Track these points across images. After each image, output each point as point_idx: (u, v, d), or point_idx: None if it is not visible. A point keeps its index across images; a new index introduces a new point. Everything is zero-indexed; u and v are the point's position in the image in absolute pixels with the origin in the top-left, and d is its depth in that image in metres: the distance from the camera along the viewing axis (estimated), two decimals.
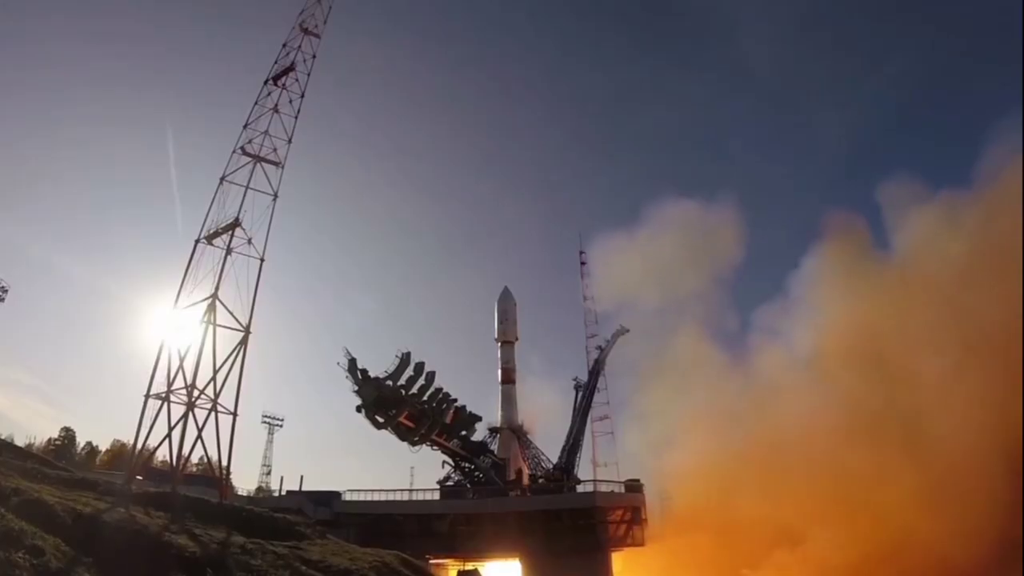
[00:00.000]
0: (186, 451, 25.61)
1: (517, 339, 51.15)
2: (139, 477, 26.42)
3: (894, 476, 39.01)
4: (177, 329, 27.32)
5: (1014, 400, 32.33)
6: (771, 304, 61.33)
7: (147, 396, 25.61)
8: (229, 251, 27.59)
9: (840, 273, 52.17)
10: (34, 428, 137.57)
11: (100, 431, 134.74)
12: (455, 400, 43.06)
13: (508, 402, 48.68)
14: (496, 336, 50.99)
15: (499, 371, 49.81)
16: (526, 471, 46.23)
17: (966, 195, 48.81)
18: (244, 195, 28.53)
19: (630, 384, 59.37)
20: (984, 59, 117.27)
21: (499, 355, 50.29)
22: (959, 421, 36.99)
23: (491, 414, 48.51)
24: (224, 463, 25.81)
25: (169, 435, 25.20)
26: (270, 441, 63.87)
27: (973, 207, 45.93)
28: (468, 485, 44.51)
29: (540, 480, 45.54)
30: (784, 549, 40.55)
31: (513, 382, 49.47)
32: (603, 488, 42.27)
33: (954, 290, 42.52)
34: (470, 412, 44.50)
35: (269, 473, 63.43)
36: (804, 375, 50.23)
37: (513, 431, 47.39)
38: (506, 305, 51.54)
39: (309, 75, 32.32)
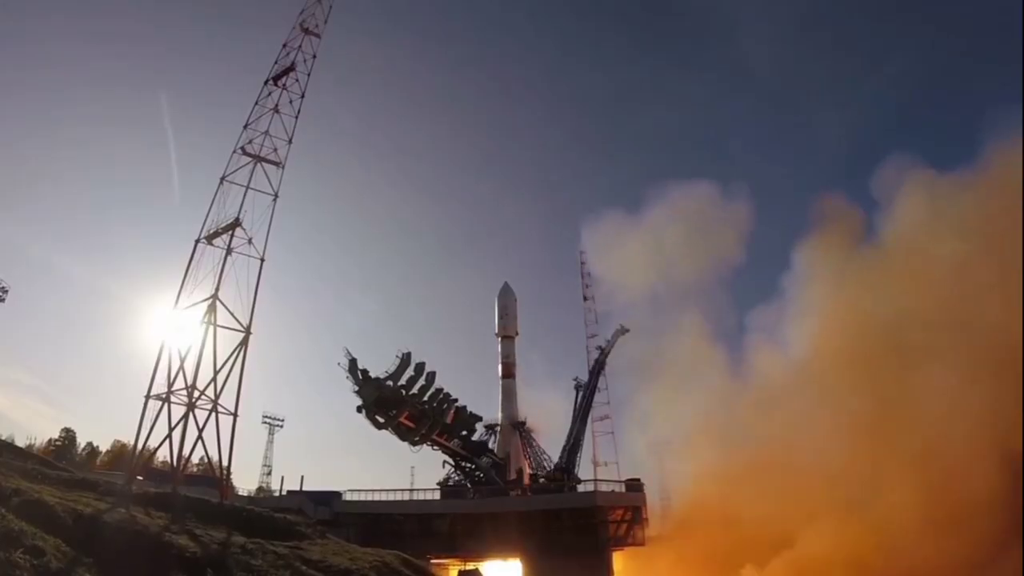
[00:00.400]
0: (186, 452, 25.66)
1: (517, 334, 51.42)
2: (140, 477, 26.42)
3: (891, 476, 38.98)
4: (177, 329, 27.31)
5: (1012, 398, 32.18)
6: (769, 304, 61.23)
7: (147, 397, 25.60)
8: (229, 251, 27.57)
9: (832, 263, 51.76)
10: (34, 428, 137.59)
11: (100, 431, 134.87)
12: (455, 400, 43.12)
13: (508, 397, 48.91)
14: (496, 331, 51.24)
15: (499, 366, 50.02)
16: (527, 470, 46.27)
17: (966, 175, 48.08)
18: (244, 195, 28.54)
19: (630, 384, 59.38)
20: (984, 59, 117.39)
21: (499, 350, 50.55)
22: (955, 422, 36.82)
23: (492, 413, 48.70)
24: (224, 463, 25.83)
25: (169, 436, 25.19)
26: (270, 441, 64.07)
27: (970, 190, 45.40)
28: (468, 485, 44.56)
29: (541, 480, 45.60)
30: (783, 549, 40.55)
31: (513, 376, 49.71)
32: (603, 488, 42.26)
33: (949, 280, 42.11)
34: (470, 412, 44.57)
35: (269, 473, 63.61)
36: (800, 375, 50.05)
37: (514, 426, 47.47)
38: (506, 300, 51.82)
39: (309, 75, 32.32)
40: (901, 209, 49.28)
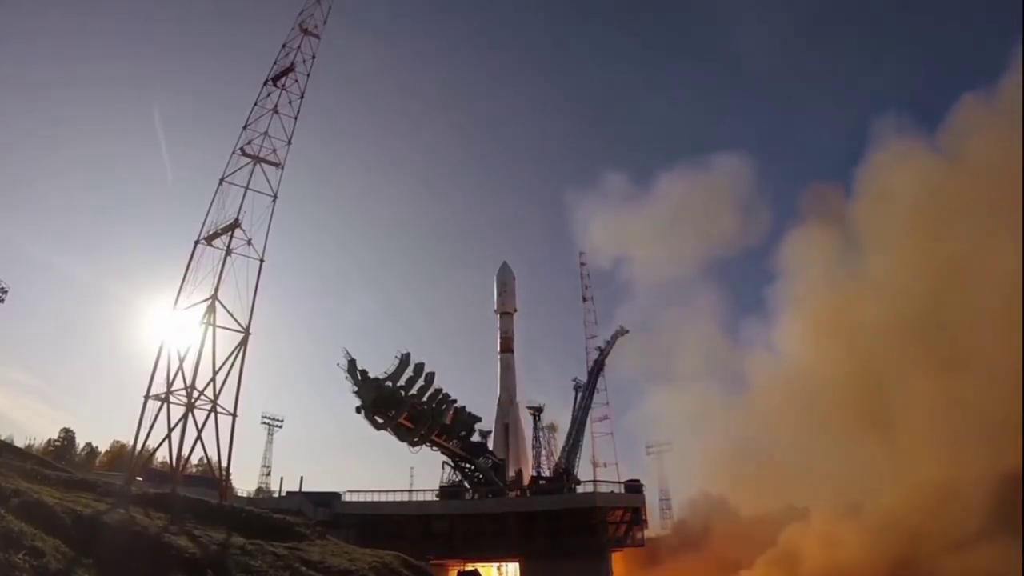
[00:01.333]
0: (186, 452, 25.63)
1: (516, 310, 52.93)
2: (139, 478, 26.40)
3: (886, 474, 39.08)
4: (177, 330, 27.30)
5: (1005, 398, 32.15)
6: (768, 304, 61.39)
7: (147, 397, 25.57)
8: (229, 252, 27.58)
9: (817, 254, 52.02)
10: (34, 428, 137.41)
11: (100, 432, 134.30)
12: (454, 401, 43.06)
13: (507, 370, 50.16)
14: (495, 307, 52.62)
15: (498, 341, 51.41)
16: (529, 471, 46.34)
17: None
18: (244, 196, 28.55)
19: (630, 384, 59.61)
20: (984, 59, 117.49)
21: (498, 325, 51.98)
22: (949, 424, 36.81)
23: (491, 412, 48.77)
24: (224, 464, 25.80)
25: (169, 436, 25.16)
26: (270, 442, 63.82)
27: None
28: (466, 485, 44.57)
29: (540, 481, 45.63)
30: (781, 549, 40.62)
31: (512, 351, 51.07)
32: (603, 489, 42.31)
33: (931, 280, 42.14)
34: (469, 413, 44.54)
35: (269, 474, 63.36)
36: (795, 377, 50.19)
37: (512, 400, 48.04)
38: (505, 277, 53.47)
39: (309, 76, 32.34)
40: (878, 179, 49.52)
